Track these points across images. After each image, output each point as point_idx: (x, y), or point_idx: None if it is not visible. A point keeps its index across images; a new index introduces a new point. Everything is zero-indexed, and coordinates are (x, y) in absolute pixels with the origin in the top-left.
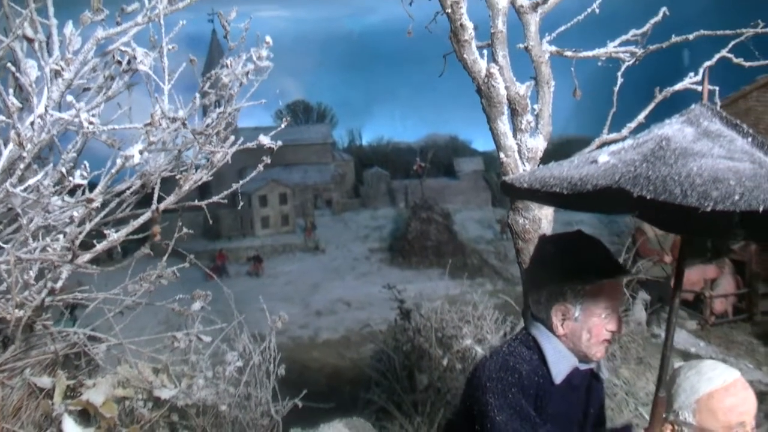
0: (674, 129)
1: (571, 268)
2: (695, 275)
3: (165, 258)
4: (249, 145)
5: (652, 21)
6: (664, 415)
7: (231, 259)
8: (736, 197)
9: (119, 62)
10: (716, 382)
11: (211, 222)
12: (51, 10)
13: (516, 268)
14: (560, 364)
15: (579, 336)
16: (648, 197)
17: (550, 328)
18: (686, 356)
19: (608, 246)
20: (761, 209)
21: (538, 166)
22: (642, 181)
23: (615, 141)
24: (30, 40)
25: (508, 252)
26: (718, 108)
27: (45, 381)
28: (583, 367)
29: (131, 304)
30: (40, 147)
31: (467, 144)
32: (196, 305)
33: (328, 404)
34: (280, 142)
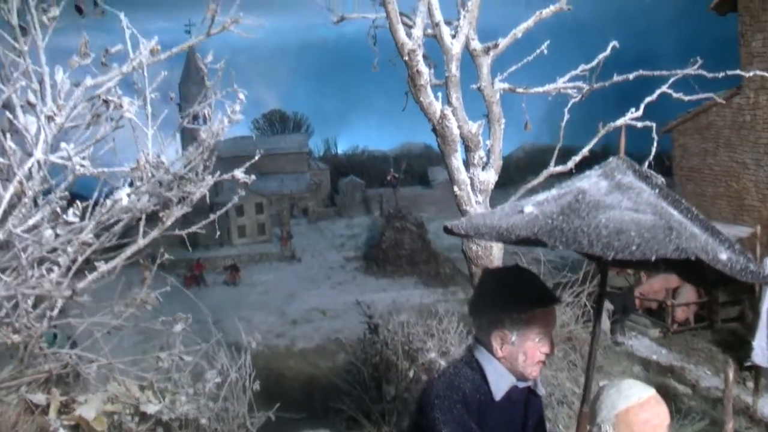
0: (591, 182)
1: (508, 299)
2: (658, 284)
3: (147, 283)
4: (225, 177)
5: (601, 56)
6: (588, 428)
7: (208, 267)
8: (633, 248)
9: (106, 102)
10: (632, 399)
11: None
12: (43, 59)
13: None
14: (500, 382)
15: (516, 358)
16: (561, 247)
17: (491, 351)
18: (647, 363)
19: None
20: (653, 258)
21: (483, 211)
22: (557, 233)
23: (561, 173)
24: (32, 105)
25: None
26: (650, 165)
27: (40, 398)
28: (521, 384)
29: (118, 325)
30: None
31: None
32: (178, 327)
33: (300, 414)
34: (254, 177)
